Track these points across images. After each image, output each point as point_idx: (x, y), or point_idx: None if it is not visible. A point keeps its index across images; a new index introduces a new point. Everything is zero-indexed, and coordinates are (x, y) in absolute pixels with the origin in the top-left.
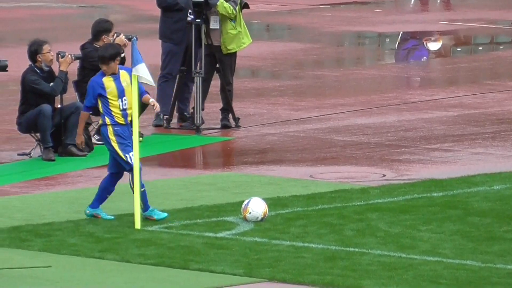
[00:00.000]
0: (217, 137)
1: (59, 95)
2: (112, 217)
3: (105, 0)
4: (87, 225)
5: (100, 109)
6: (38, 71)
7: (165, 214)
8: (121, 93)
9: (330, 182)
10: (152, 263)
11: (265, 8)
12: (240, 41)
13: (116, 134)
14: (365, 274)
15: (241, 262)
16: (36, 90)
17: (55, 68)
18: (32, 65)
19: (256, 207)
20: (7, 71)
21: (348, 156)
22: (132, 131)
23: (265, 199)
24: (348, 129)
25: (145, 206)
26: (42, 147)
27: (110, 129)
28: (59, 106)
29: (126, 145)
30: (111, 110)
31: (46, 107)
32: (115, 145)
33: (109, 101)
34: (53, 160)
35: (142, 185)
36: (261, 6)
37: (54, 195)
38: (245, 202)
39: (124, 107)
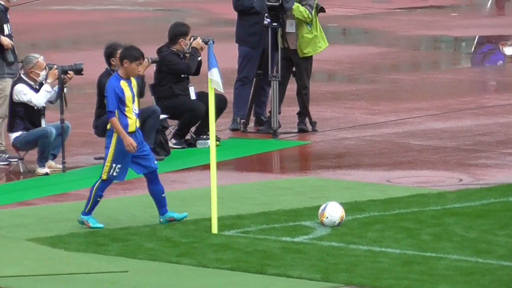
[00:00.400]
0: (294, 141)
1: None
2: (186, 214)
3: (181, 3)
4: (164, 229)
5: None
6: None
7: (102, 225)
8: (133, 98)
9: (407, 186)
10: (229, 267)
11: (342, 12)
12: (316, 45)
13: (119, 143)
14: (442, 279)
15: (318, 266)
16: None
17: None
18: (108, 68)
19: (333, 212)
20: (82, 74)
21: (424, 160)
22: (140, 135)
23: (342, 204)
24: (424, 134)
25: (89, 211)
26: None
27: (115, 137)
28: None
29: (121, 157)
30: (127, 116)
31: None
32: (111, 151)
33: (126, 106)
34: None
35: (100, 195)
36: (337, 10)
37: (131, 199)
38: (322, 207)
39: (136, 112)
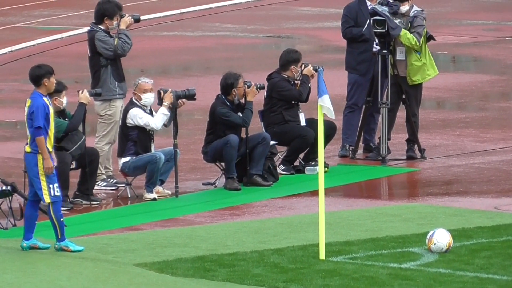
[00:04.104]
0: (403, 168)
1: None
2: (49, 245)
3: (292, 30)
4: (272, 255)
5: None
6: (228, 103)
7: (82, 248)
8: (52, 118)
9: None
10: None
11: (451, 39)
12: (425, 72)
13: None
14: None
15: None
16: (227, 122)
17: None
18: (223, 96)
19: (441, 238)
20: (195, 99)
21: None
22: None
23: (450, 230)
24: None
25: (62, 235)
26: (226, 177)
27: (40, 158)
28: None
29: (52, 175)
30: (48, 134)
31: (234, 137)
32: (42, 174)
33: (50, 125)
34: (239, 190)
35: (61, 215)
36: (447, 38)
37: (239, 225)
38: (430, 233)
39: (53, 132)
